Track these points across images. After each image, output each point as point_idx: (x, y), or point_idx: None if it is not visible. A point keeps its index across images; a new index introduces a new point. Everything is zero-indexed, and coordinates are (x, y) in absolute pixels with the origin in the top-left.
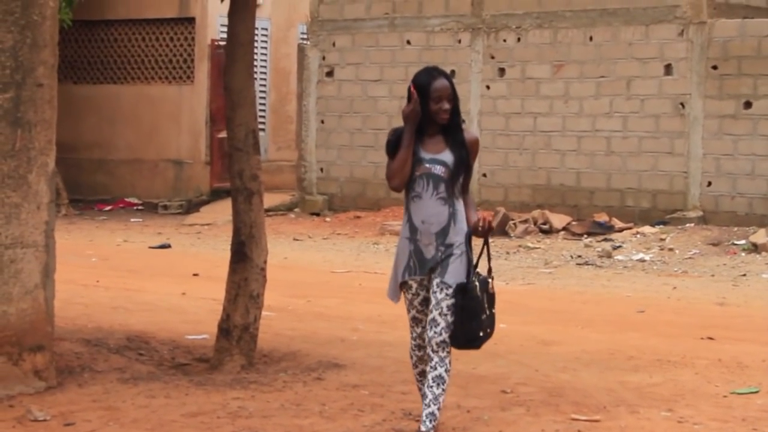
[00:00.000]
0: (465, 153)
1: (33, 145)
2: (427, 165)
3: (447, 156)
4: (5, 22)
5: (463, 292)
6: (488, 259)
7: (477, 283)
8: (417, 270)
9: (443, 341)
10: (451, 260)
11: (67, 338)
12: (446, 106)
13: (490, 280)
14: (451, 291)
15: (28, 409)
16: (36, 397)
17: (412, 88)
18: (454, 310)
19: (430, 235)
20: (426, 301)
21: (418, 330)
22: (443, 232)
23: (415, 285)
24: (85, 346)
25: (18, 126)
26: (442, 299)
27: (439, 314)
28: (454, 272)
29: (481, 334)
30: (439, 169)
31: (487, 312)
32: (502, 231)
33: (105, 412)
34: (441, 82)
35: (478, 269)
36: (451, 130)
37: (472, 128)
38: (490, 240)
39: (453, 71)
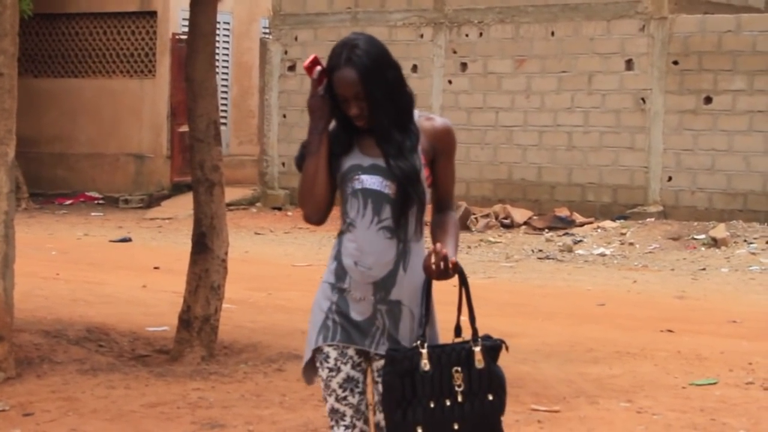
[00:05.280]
0: (411, 162)
1: None
2: (363, 176)
3: None
4: None
5: (390, 361)
6: (471, 317)
7: (423, 351)
8: (337, 334)
9: None
10: (401, 326)
11: (27, 330)
12: (354, 111)
13: (476, 349)
14: None
15: None
16: None
17: (305, 65)
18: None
19: (365, 286)
20: (351, 382)
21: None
22: (385, 283)
23: (333, 355)
24: (45, 337)
25: None
26: None
27: None
28: (406, 340)
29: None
30: (380, 183)
31: (453, 399)
32: (464, 225)
33: (64, 402)
34: (343, 75)
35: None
36: (382, 133)
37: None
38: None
39: (415, 66)
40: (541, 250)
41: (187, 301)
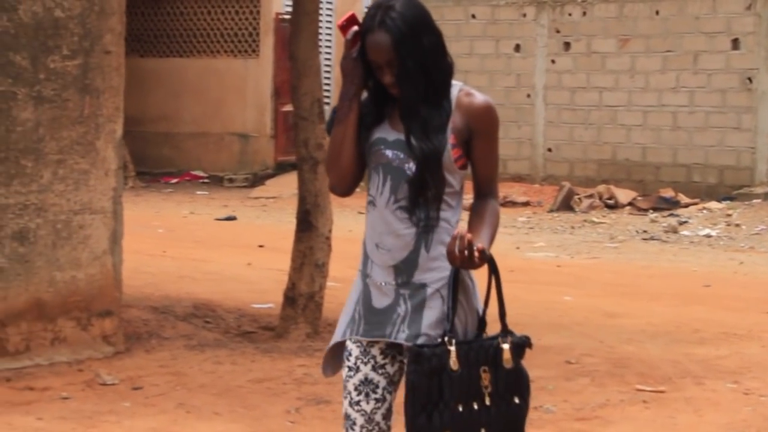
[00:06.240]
0: (434, 142)
1: (101, 112)
2: (386, 150)
3: None
4: None
5: (416, 358)
6: (501, 312)
7: (451, 348)
8: (360, 326)
9: None
10: (425, 308)
11: (135, 305)
12: (387, 79)
13: (504, 347)
14: None
15: (96, 373)
16: (104, 362)
17: (339, 23)
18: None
19: (386, 269)
20: (367, 385)
21: None
22: (406, 267)
23: (355, 353)
24: (153, 313)
25: (86, 93)
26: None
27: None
28: (432, 327)
29: None
30: (401, 160)
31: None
32: (567, 206)
33: (172, 377)
34: (375, 39)
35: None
36: (407, 107)
37: (537, 102)
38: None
39: (518, 45)
40: (645, 231)
41: (292, 278)
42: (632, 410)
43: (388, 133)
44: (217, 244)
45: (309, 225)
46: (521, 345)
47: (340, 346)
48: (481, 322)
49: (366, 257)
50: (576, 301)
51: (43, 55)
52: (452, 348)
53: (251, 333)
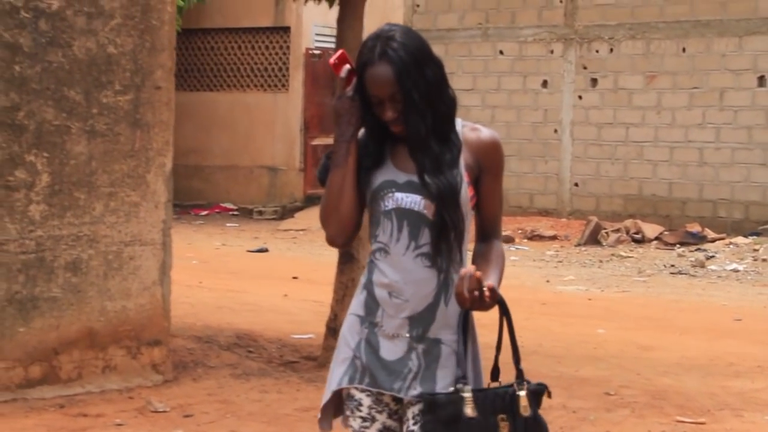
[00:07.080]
0: (449, 178)
1: (151, 145)
2: (398, 194)
3: None
4: (125, 26)
5: (430, 407)
6: (515, 357)
7: (466, 395)
8: (365, 376)
9: None
10: (439, 367)
11: (179, 335)
12: (389, 114)
13: (521, 394)
14: None
15: (148, 401)
16: (154, 390)
17: (331, 61)
18: None
19: (400, 320)
20: None
21: None
22: (423, 318)
23: (367, 402)
24: (197, 342)
25: (137, 127)
26: None
27: None
28: (446, 387)
29: None
30: (418, 203)
31: None
32: (595, 240)
33: (221, 405)
34: (377, 72)
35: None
36: (417, 142)
37: (564, 138)
38: (488, 311)
39: (545, 81)
40: (673, 265)
41: (334, 309)
42: None
43: (396, 175)
44: (252, 276)
45: (351, 257)
46: (539, 393)
47: (336, 395)
48: (495, 371)
49: (375, 305)
50: (609, 334)
51: (96, 90)
52: (467, 395)
53: (294, 363)
